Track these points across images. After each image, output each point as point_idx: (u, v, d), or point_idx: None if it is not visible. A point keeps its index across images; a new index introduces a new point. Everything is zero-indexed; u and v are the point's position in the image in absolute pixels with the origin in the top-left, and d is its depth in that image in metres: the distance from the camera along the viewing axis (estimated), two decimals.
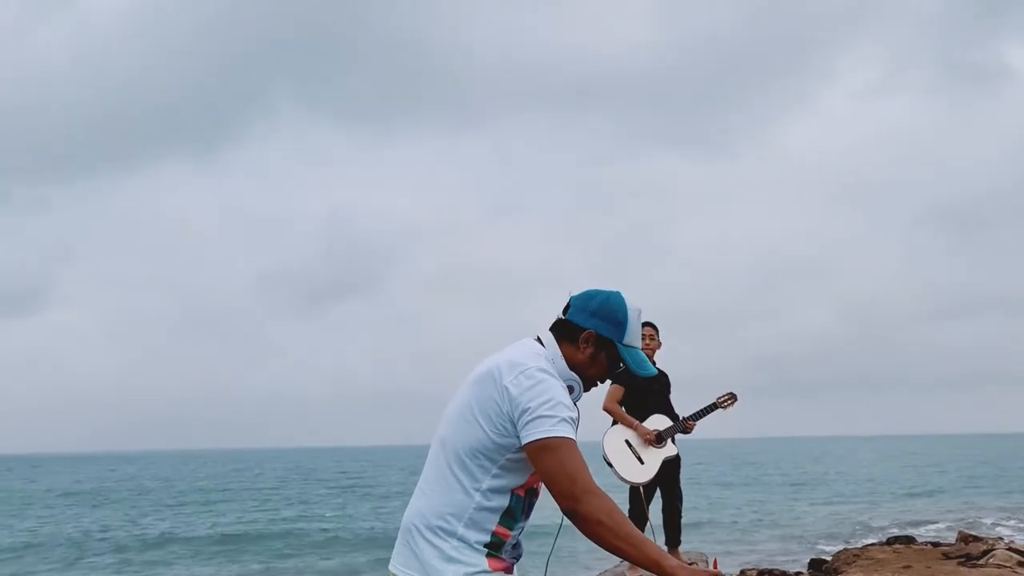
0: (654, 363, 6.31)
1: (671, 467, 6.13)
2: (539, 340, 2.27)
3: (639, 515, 6.05)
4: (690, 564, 2.27)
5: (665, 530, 6.33)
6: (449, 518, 2.12)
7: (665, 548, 5.76)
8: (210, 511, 28.78)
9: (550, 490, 2.07)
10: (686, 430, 6.12)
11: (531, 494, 2.22)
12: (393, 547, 2.26)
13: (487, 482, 2.12)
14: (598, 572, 5.47)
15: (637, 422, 6.03)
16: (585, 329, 2.24)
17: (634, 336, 2.26)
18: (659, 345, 6.35)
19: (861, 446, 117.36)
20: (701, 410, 6.16)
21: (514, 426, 2.09)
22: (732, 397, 6.20)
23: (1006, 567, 9.24)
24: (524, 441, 2.06)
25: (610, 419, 6.11)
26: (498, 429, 2.11)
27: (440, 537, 2.11)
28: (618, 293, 2.30)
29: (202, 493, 39.07)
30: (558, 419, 2.06)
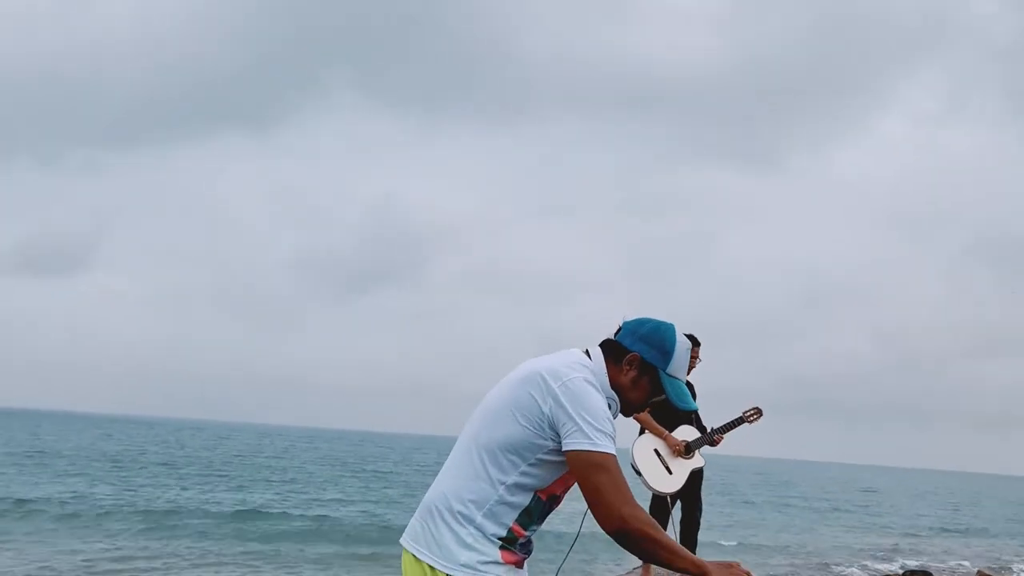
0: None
1: (694, 478, 6.23)
2: (587, 353, 2.34)
3: (661, 522, 6.18)
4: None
5: (682, 540, 6.43)
6: (470, 505, 2.20)
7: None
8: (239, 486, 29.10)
9: (595, 506, 2.15)
10: (713, 443, 6.19)
11: (552, 500, 2.31)
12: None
13: (514, 477, 2.21)
14: (611, 567, 5.65)
15: (667, 432, 6.11)
16: (631, 351, 2.29)
17: (679, 368, 2.31)
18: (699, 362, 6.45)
19: (890, 476, 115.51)
20: (728, 423, 6.24)
21: (554, 430, 2.18)
22: (758, 412, 6.29)
23: None
24: (569, 448, 2.15)
25: (638, 427, 6.23)
26: (537, 429, 2.19)
27: (459, 523, 2.21)
28: (671, 324, 2.35)
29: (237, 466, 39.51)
30: (603, 433, 2.16)
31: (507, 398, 2.27)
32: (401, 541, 2.34)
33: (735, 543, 19.47)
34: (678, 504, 6.44)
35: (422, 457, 63.69)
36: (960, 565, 17.41)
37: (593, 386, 2.23)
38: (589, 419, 2.16)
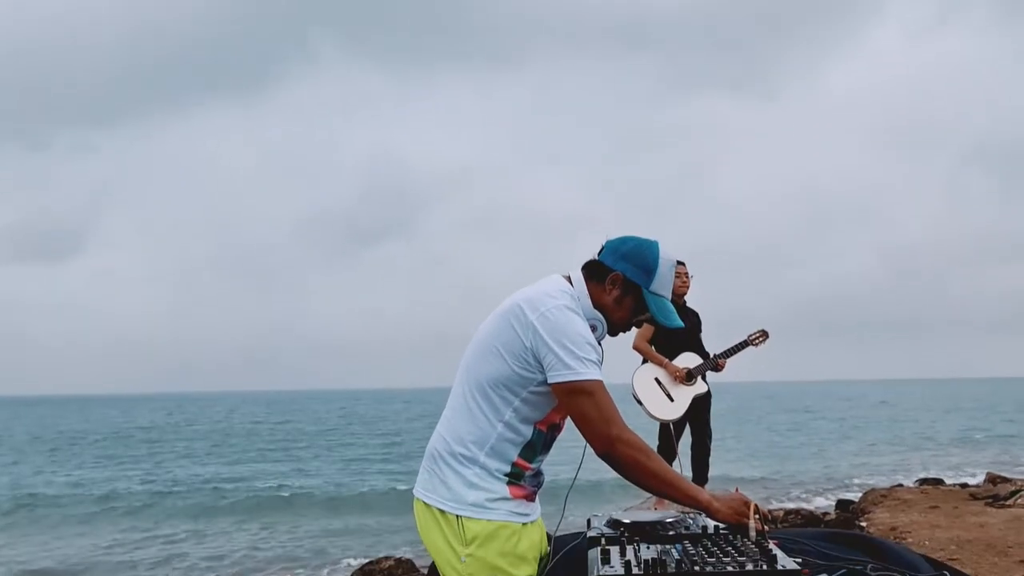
0: (685, 303, 6.41)
1: (701, 405, 6.22)
2: (568, 278, 2.33)
3: (668, 451, 6.18)
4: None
5: (693, 467, 6.46)
6: (471, 446, 2.22)
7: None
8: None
9: (584, 432, 2.16)
10: (717, 368, 6.16)
11: (552, 429, 2.31)
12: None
13: (509, 414, 2.21)
14: (624, 507, 5.69)
15: (667, 360, 6.10)
16: (613, 270, 2.27)
17: (663, 285, 2.27)
18: (691, 277, 6.41)
19: (901, 389, 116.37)
20: (732, 347, 6.18)
21: (538, 362, 2.16)
22: (763, 334, 6.23)
23: None
24: (553, 381, 2.15)
25: (640, 357, 6.21)
26: (522, 363, 2.18)
27: (463, 464, 2.22)
28: (654, 241, 2.30)
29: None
30: (587, 360, 2.14)
31: (491, 333, 2.26)
32: (414, 492, 2.34)
33: (752, 475, 19.62)
34: (686, 435, 6.45)
35: None
36: (974, 472, 17.61)
37: (574, 312, 2.20)
38: (571, 347, 2.14)
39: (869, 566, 1.96)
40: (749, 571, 1.81)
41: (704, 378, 6.21)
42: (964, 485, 12.89)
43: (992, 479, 11.95)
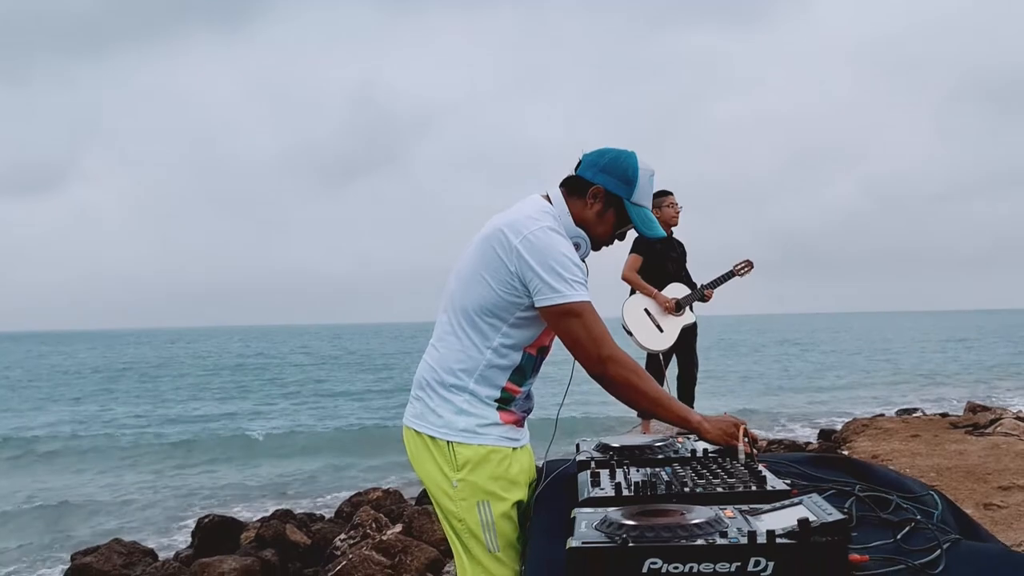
0: (672, 233, 6.40)
1: (688, 335, 6.27)
2: (547, 197, 2.29)
3: (656, 379, 6.25)
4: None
5: (679, 397, 6.54)
6: (460, 374, 2.21)
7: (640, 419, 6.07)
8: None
9: (574, 354, 2.16)
10: (704, 298, 6.20)
11: (542, 351, 2.30)
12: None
13: (497, 340, 2.20)
14: (614, 432, 5.76)
15: (656, 291, 6.12)
16: (593, 184, 2.23)
17: (643, 195, 2.25)
18: (680, 207, 6.40)
19: (885, 322, 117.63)
20: (718, 278, 6.23)
21: (525, 286, 2.14)
22: (749, 264, 6.26)
23: (1013, 435, 9.49)
24: (541, 304, 2.13)
25: (628, 288, 6.24)
26: (508, 288, 2.16)
27: (452, 392, 2.21)
28: (632, 152, 2.27)
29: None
30: (574, 281, 2.12)
31: (475, 259, 2.22)
32: (403, 421, 2.34)
33: (736, 406, 19.92)
34: (673, 365, 6.51)
35: None
36: (953, 402, 17.92)
37: (557, 233, 2.17)
38: (557, 269, 2.11)
39: (857, 487, 1.98)
40: (739, 492, 1.82)
41: (691, 308, 6.26)
42: (944, 415, 13.11)
43: (972, 408, 12.15)
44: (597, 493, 1.86)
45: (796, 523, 1.42)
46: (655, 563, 1.38)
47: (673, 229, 6.39)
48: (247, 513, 10.16)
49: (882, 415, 13.21)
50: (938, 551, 1.55)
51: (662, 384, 6.19)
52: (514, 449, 2.26)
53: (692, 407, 6.48)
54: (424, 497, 8.15)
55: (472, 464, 2.19)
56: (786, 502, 1.63)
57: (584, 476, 2.03)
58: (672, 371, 6.50)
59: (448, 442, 2.21)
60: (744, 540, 1.40)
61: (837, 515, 1.47)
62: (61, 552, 9.02)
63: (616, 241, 2.34)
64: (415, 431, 2.28)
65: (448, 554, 5.87)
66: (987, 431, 9.75)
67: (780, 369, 32.92)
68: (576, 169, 2.30)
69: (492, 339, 2.20)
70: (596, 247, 2.32)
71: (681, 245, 6.47)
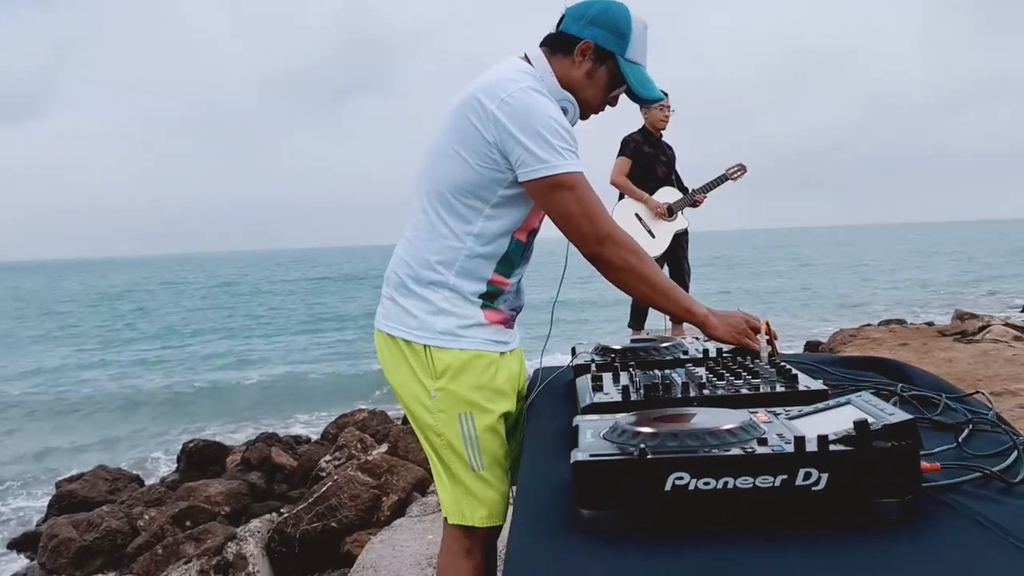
0: (661, 136, 6.12)
1: (679, 241, 6.05)
2: (526, 58, 1.96)
3: None
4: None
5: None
6: (438, 267, 1.90)
7: (670, 323, 5.83)
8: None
9: (567, 233, 1.87)
10: (696, 203, 5.99)
11: (532, 235, 1.99)
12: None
13: (480, 224, 1.89)
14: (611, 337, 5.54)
15: (647, 195, 5.90)
16: (581, 39, 1.91)
17: (639, 51, 1.94)
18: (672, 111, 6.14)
19: (877, 235, 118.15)
20: (710, 182, 6.01)
21: (506, 159, 1.82)
22: (742, 168, 6.02)
23: (1002, 341, 9.43)
24: (526, 178, 1.81)
25: (617, 194, 6.00)
26: (486, 163, 1.83)
27: (429, 288, 1.91)
28: (622, 2, 1.96)
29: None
30: (563, 148, 1.80)
31: (446, 133, 1.88)
32: (375, 324, 2.03)
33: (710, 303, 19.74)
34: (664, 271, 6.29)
35: None
36: (940, 311, 17.91)
37: (540, 94, 1.84)
38: (543, 135, 1.78)
39: (900, 386, 1.72)
40: (766, 393, 1.55)
41: (683, 214, 6.02)
42: (930, 324, 13.03)
43: (960, 316, 12.06)
44: (601, 398, 1.58)
45: (852, 426, 1.14)
46: (681, 478, 1.10)
47: (662, 134, 6.11)
48: (236, 436, 10.12)
49: (869, 325, 13.12)
50: (1015, 454, 1.30)
51: None
52: (501, 354, 1.98)
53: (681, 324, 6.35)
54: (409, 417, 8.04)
55: (453, 371, 1.91)
56: (830, 403, 1.35)
57: (584, 381, 1.75)
58: None
59: (425, 346, 1.91)
60: (790, 447, 1.12)
61: (902, 415, 1.19)
62: (46, 480, 8.90)
63: (608, 107, 2.01)
64: (388, 335, 1.98)
65: None
66: (976, 338, 9.68)
67: (762, 284, 32.90)
68: (559, 25, 1.97)
69: (473, 224, 1.89)
70: (585, 114, 1.99)
71: (671, 149, 6.21)
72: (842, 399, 1.35)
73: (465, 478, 1.95)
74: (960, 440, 1.39)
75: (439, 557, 2.09)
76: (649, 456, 1.12)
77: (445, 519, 2.01)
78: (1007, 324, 10.42)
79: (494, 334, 1.96)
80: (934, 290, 26.47)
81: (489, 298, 1.95)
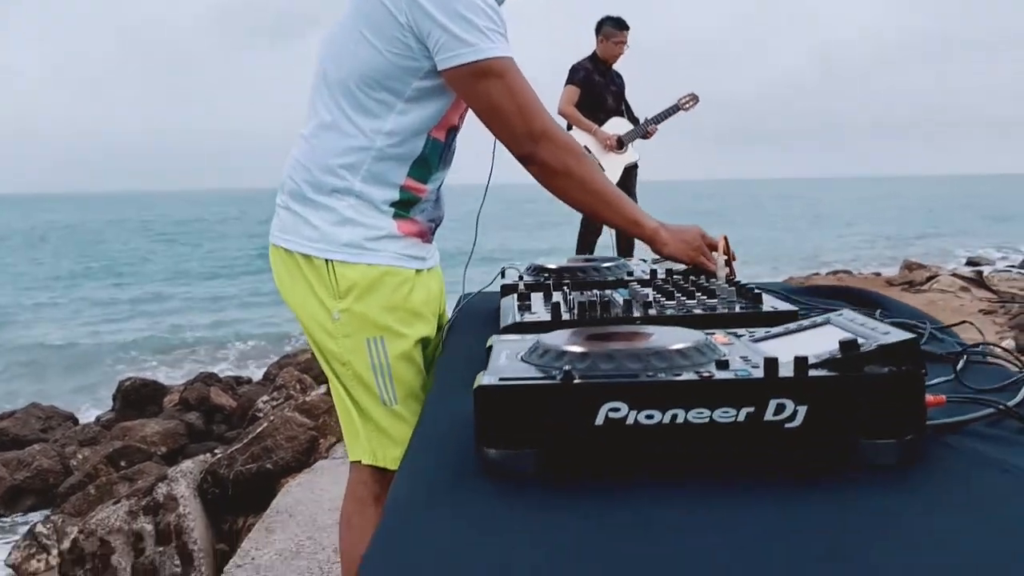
0: (611, 66, 5.85)
1: (630, 174, 5.83)
2: None
3: (595, 224, 5.81)
4: None
5: (617, 241, 6.12)
6: (342, 172, 1.60)
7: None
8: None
9: (495, 129, 1.58)
10: (647, 135, 5.77)
11: (452, 133, 1.69)
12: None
13: (391, 121, 1.59)
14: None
15: (596, 126, 5.67)
16: None
17: None
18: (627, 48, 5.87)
19: (830, 188, 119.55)
20: (663, 112, 5.77)
21: (421, 43, 1.52)
22: (694, 98, 5.76)
23: (949, 291, 9.46)
24: (446, 65, 1.51)
25: (564, 124, 5.73)
26: (398, 48, 1.53)
27: (332, 196, 1.62)
28: None
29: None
30: (489, 30, 1.50)
31: (353, 13, 1.57)
32: (270, 239, 1.72)
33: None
34: None
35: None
36: (886, 262, 18.06)
37: None
38: (465, 14, 1.48)
39: (878, 312, 1.48)
40: (724, 314, 1.29)
41: (633, 146, 5.77)
42: (877, 274, 13.08)
43: (908, 266, 12.11)
44: (527, 318, 1.30)
45: (837, 348, 0.88)
46: (617, 410, 0.83)
47: (612, 64, 5.85)
48: (175, 374, 9.91)
49: (817, 274, 13.13)
50: None
51: (600, 230, 5.71)
52: (417, 271, 1.69)
53: (631, 254, 6.13)
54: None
55: (359, 290, 1.61)
56: (804, 323, 1.09)
57: (509, 300, 1.47)
58: None
59: (327, 261, 1.61)
60: (758, 372, 0.86)
61: (900, 333, 0.93)
62: None
63: None
64: (284, 249, 1.67)
65: None
66: (923, 288, 9.70)
67: (717, 232, 33.03)
68: None
69: (383, 120, 1.58)
70: None
71: (620, 77, 5.95)
72: (818, 318, 1.09)
73: (375, 413, 1.67)
74: (958, 371, 1.15)
75: (343, 503, 1.81)
76: (576, 381, 0.84)
77: (352, 461, 1.74)
78: (954, 275, 10.45)
79: (408, 248, 1.67)
80: (886, 242, 26.76)
81: (402, 206, 1.65)
